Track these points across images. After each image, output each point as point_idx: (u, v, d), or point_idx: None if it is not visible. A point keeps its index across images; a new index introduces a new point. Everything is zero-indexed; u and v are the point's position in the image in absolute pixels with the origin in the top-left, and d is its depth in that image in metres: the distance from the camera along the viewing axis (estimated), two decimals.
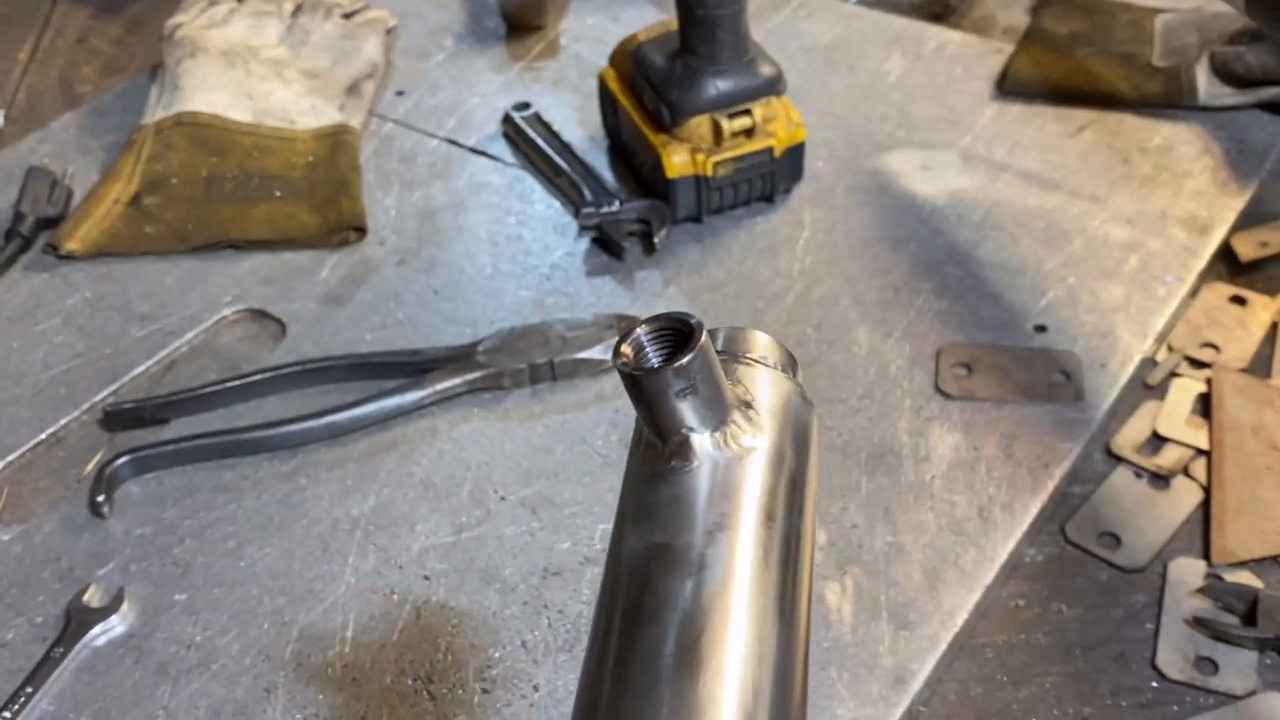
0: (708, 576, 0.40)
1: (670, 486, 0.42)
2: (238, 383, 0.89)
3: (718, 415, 0.42)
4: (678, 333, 0.41)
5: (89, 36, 1.37)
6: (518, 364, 0.89)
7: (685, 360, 0.40)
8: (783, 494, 0.43)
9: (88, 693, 0.74)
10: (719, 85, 0.96)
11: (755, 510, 0.42)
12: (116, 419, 0.89)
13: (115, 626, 0.77)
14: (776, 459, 0.44)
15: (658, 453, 0.43)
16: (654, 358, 0.41)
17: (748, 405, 0.44)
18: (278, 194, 1.06)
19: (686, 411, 0.41)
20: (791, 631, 0.41)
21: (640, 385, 0.40)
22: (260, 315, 0.97)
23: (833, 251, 0.99)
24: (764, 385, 0.46)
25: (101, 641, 0.76)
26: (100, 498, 0.83)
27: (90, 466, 0.86)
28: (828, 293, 0.95)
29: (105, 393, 0.91)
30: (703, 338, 0.40)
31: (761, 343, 0.47)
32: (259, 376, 0.89)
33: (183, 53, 1.15)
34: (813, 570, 0.45)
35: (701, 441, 0.42)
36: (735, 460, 0.43)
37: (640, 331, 0.41)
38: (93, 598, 0.78)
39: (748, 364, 0.46)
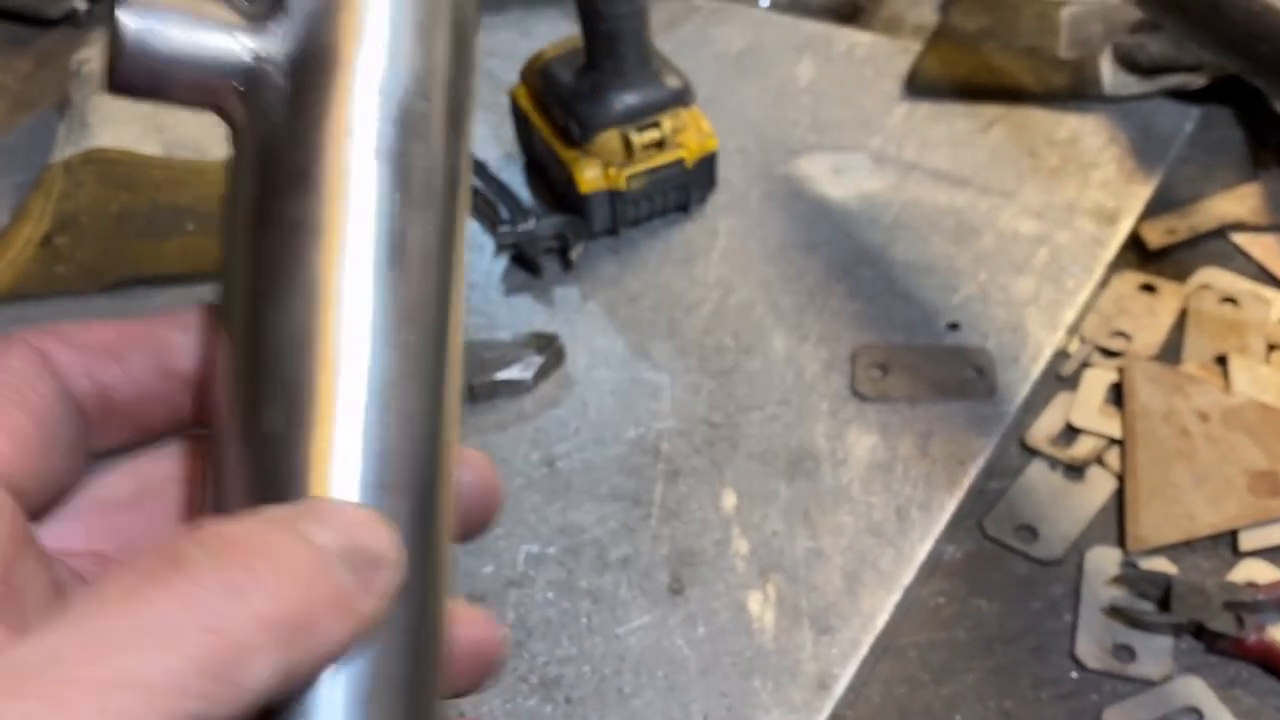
0: None
1: None
2: None
3: None
4: None
5: None
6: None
7: None
8: None
9: None
10: (626, 100, 0.97)
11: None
12: None
13: None
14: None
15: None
16: None
17: None
18: (190, 227, 1.05)
19: None
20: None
21: None
22: None
23: (748, 258, 1.00)
24: None
25: None
26: None
27: None
28: (744, 300, 0.96)
29: None
30: None
31: None
32: None
33: (90, 88, 1.14)
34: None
35: None
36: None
37: None
38: None
39: None
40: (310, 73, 0.32)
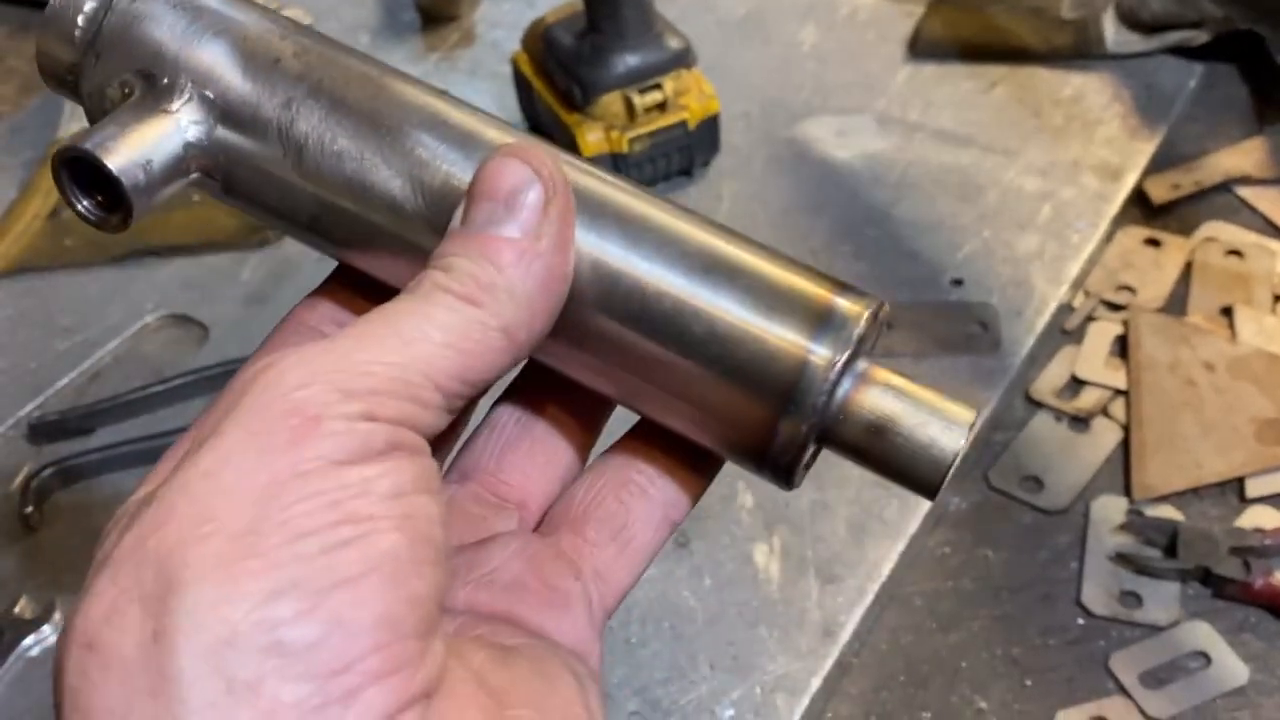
0: None
1: None
2: (161, 388, 0.89)
3: None
4: None
5: (6, 56, 1.36)
6: None
7: None
8: None
9: (23, 703, 0.74)
10: (627, 61, 0.97)
11: None
12: (42, 431, 0.88)
13: (48, 636, 0.77)
14: None
15: None
16: None
17: None
18: (195, 198, 1.05)
19: None
20: None
21: None
22: (183, 320, 0.97)
23: (752, 221, 1.00)
24: None
25: (35, 652, 0.76)
26: (28, 509, 0.82)
27: (18, 480, 0.85)
28: None
29: (30, 406, 0.91)
30: None
31: None
32: (182, 380, 0.89)
33: None
34: None
35: None
36: None
37: None
38: (24, 609, 0.78)
39: None
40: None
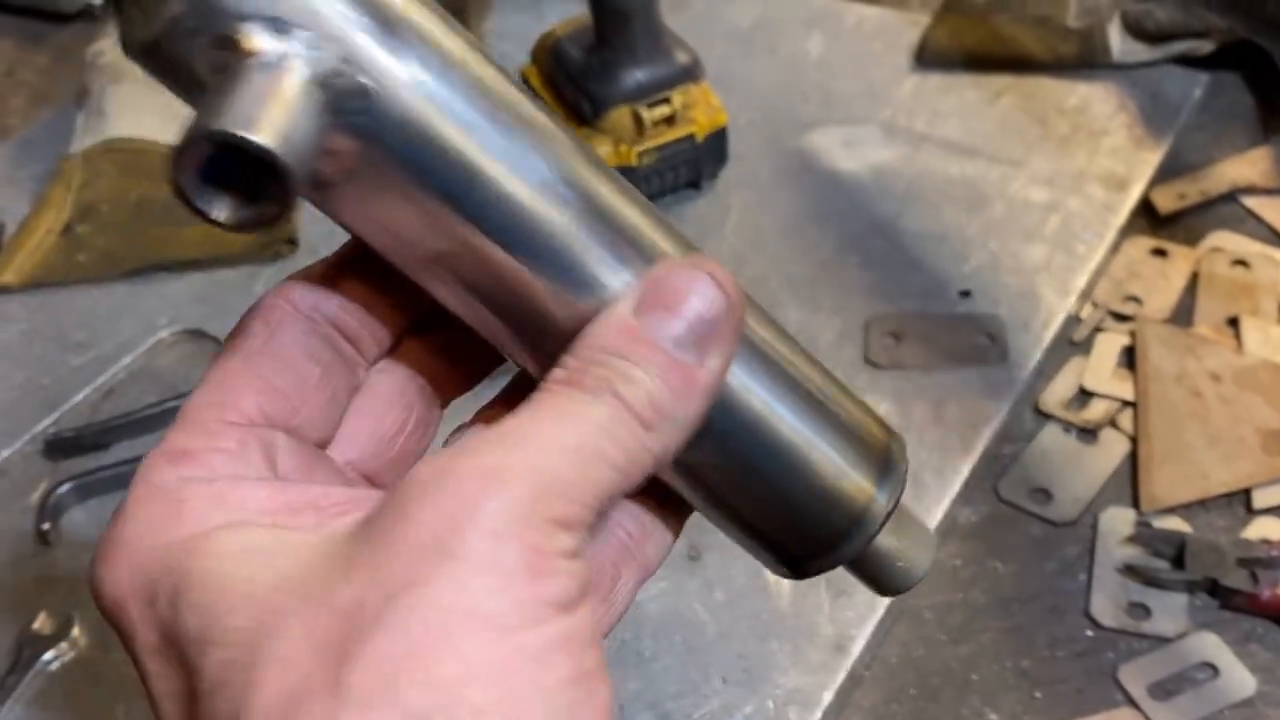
0: None
1: None
2: (176, 403, 0.90)
3: None
4: None
5: (16, 68, 1.37)
6: None
7: None
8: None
9: (44, 718, 0.75)
10: (636, 76, 0.97)
11: None
12: (58, 447, 0.89)
13: (66, 652, 0.78)
14: None
15: None
16: None
17: None
18: None
19: None
20: None
21: None
22: (197, 334, 0.97)
23: (760, 233, 1.00)
24: None
25: (55, 667, 0.77)
26: (45, 526, 0.83)
27: (34, 496, 0.86)
28: (757, 274, 0.97)
29: (46, 422, 0.92)
30: None
31: None
32: None
33: (107, 78, 1.15)
34: None
35: None
36: None
37: None
38: (43, 625, 0.79)
39: None
40: None
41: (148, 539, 0.32)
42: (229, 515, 0.32)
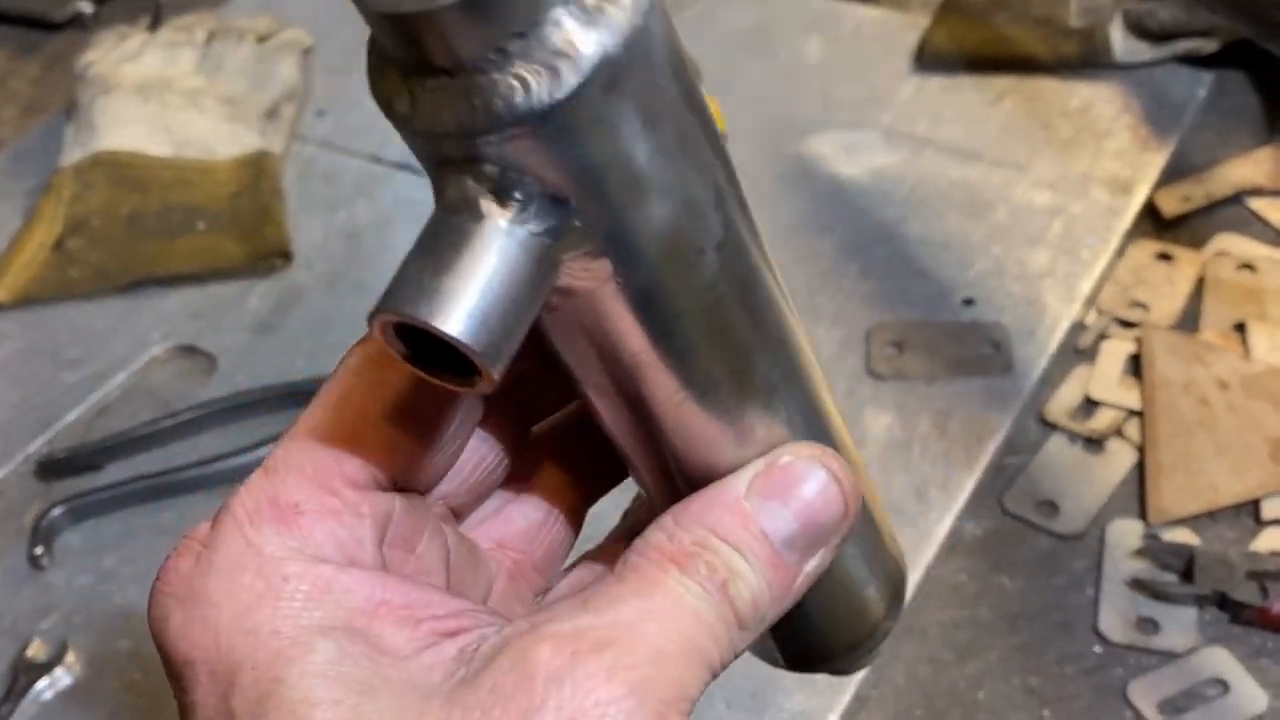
0: None
1: None
2: (170, 422, 0.89)
3: None
4: None
5: (8, 79, 1.36)
6: None
7: None
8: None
9: None
10: None
11: None
12: (51, 468, 0.88)
13: (61, 679, 0.77)
14: None
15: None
16: None
17: None
18: (201, 226, 1.05)
19: None
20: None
21: None
22: (190, 351, 0.96)
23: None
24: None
25: (49, 695, 0.76)
26: (39, 549, 0.82)
27: (27, 518, 0.85)
28: None
29: (39, 442, 0.91)
30: None
31: None
32: (191, 414, 0.89)
33: (96, 90, 1.14)
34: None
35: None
36: None
37: None
38: (37, 652, 0.78)
39: None
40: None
41: (240, 612, 0.31)
42: (326, 614, 0.31)
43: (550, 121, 0.25)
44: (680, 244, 0.30)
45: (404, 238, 1.01)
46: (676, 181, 0.29)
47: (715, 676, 0.32)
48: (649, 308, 0.30)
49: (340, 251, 1.03)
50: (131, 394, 0.94)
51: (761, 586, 0.32)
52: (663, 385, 0.32)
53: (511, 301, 0.26)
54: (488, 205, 0.27)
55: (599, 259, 0.28)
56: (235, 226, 1.05)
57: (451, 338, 0.26)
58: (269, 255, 1.02)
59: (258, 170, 1.09)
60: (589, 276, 0.29)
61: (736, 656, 0.33)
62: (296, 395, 0.90)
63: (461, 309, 0.26)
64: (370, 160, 1.12)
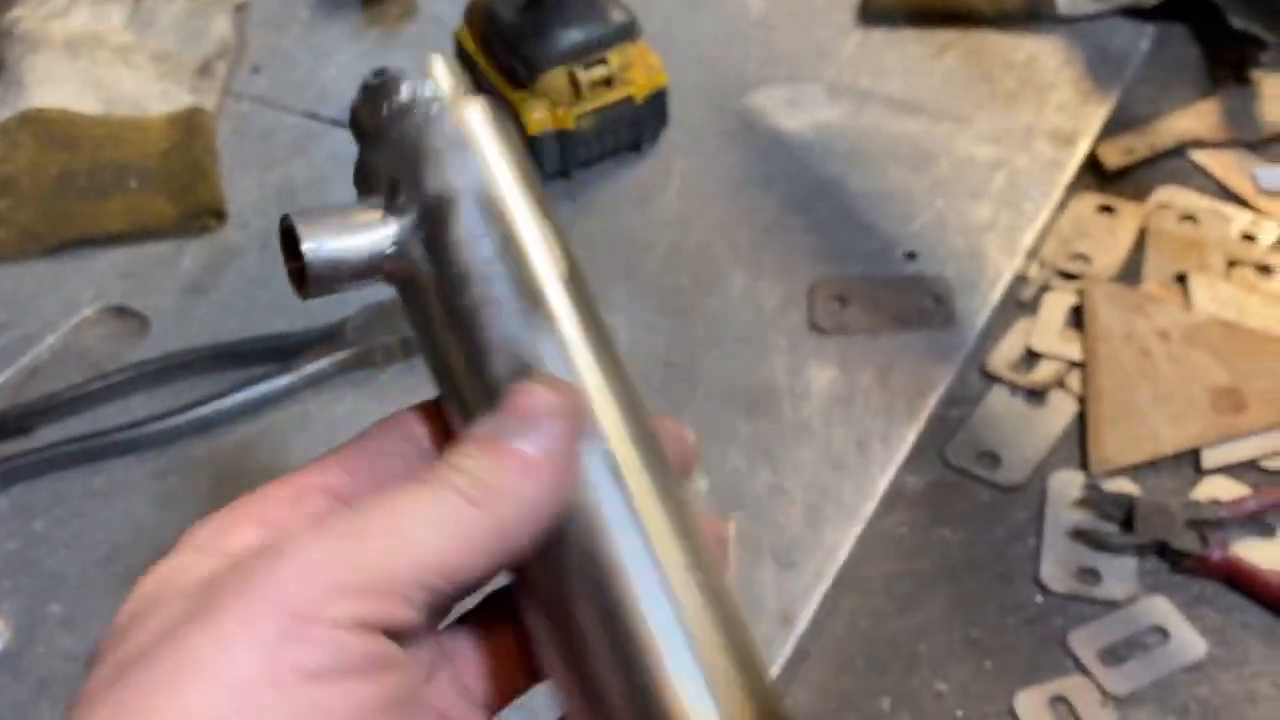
0: None
1: None
2: (101, 384, 0.87)
3: None
4: None
5: None
6: (389, 338, 0.87)
7: None
8: None
9: None
10: (570, 36, 0.94)
11: None
12: None
13: None
14: None
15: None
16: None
17: None
18: (133, 184, 1.02)
19: None
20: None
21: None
22: (122, 312, 0.94)
23: (703, 197, 0.98)
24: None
25: None
26: None
27: None
28: (700, 239, 0.94)
29: None
30: None
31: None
32: (122, 375, 0.87)
33: (24, 48, 1.11)
34: None
35: None
36: None
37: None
38: None
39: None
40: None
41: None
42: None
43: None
44: None
45: (340, 195, 1.00)
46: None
47: (470, 556, 0.33)
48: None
49: (275, 210, 1.01)
50: (62, 356, 0.92)
51: (489, 469, 0.34)
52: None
53: (351, 252, 0.38)
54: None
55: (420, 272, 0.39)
56: (167, 185, 1.02)
57: (299, 244, 0.38)
58: (202, 214, 0.99)
59: (190, 127, 1.06)
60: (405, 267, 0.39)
61: (508, 539, 0.34)
62: (229, 356, 0.88)
63: (319, 236, 0.38)
64: (306, 117, 1.10)
